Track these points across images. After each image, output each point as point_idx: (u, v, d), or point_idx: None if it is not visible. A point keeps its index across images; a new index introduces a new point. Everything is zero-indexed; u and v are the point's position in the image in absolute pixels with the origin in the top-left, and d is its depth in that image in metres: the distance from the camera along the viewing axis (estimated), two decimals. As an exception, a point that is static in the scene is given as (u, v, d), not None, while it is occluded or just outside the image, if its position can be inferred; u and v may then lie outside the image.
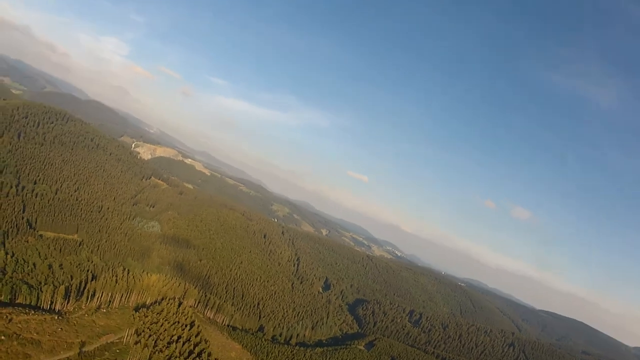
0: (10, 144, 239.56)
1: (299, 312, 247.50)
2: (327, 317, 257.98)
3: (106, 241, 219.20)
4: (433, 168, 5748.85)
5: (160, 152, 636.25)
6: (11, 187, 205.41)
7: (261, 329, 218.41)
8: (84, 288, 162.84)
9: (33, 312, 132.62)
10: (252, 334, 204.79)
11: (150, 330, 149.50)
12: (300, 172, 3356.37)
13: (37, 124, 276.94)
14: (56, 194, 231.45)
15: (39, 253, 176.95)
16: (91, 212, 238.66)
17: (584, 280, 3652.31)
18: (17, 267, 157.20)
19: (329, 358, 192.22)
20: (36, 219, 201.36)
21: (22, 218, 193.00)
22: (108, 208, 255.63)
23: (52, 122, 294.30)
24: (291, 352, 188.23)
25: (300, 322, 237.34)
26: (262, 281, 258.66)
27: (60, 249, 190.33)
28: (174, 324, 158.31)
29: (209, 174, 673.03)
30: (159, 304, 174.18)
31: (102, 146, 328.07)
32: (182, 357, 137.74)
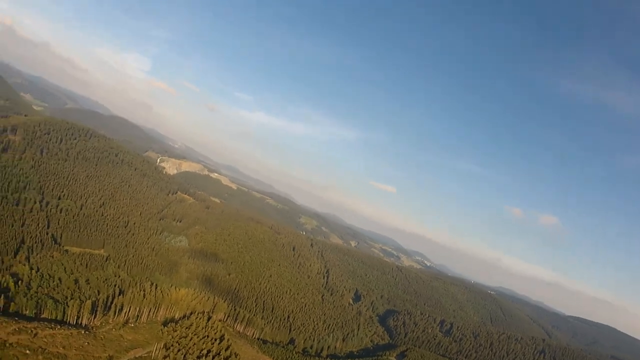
0: (33, 160, 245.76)
1: (329, 324, 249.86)
2: (358, 329, 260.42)
3: (133, 256, 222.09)
4: (459, 178, 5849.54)
5: (186, 166, 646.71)
6: (35, 202, 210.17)
7: (292, 341, 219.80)
8: (111, 303, 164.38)
9: (59, 326, 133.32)
10: (283, 346, 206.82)
11: (179, 344, 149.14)
12: (326, 185, 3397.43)
13: (60, 140, 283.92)
14: (81, 209, 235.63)
15: (65, 268, 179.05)
16: (117, 227, 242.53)
17: (612, 285, 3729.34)
18: (42, 282, 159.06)
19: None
20: (61, 234, 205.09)
21: (47, 233, 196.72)
22: (134, 223, 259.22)
23: (75, 138, 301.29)
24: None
25: (331, 334, 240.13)
26: (292, 294, 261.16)
27: (87, 264, 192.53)
28: (203, 338, 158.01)
29: (235, 188, 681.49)
30: (187, 318, 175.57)
31: (127, 162, 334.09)
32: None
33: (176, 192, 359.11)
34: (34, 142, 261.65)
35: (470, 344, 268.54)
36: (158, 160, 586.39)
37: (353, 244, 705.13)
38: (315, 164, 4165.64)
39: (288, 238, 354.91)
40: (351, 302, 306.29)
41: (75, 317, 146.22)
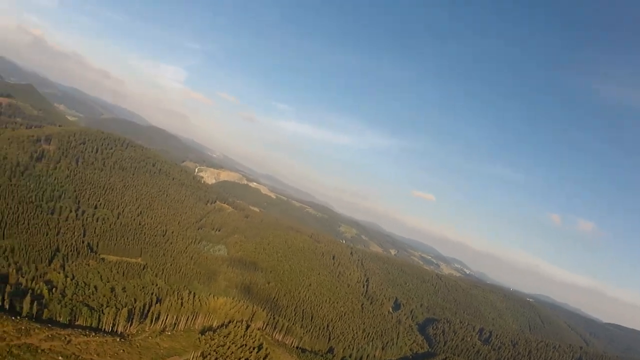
0: (68, 170, 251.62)
1: (369, 333, 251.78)
2: (397, 338, 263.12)
3: (171, 265, 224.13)
4: (497, 184, 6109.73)
5: (225, 176, 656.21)
6: (70, 211, 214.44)
7: (331, 350, 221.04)
8: (148, 311, 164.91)
9: (93, 334, 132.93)
10: (322, 355, 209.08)
11: (216, 353, 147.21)
12: (366, 194, 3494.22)
13: (96, 149, 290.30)
14: (118, 218, 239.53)
15: (101, 276, 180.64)
16: (155, 236, 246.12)
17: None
18: (77, 289, 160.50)
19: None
20: (97, 242, 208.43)
21: (83, 242, 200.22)
22: (172, 232, 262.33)
23: (112, 148, 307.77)
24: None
25: (371, 343, 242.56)
26: (331, 302, 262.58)
27: (124, 272, 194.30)
28: (241, 346, 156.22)
29: (274, 197, 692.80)
30: (225, 327, 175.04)
31: (165, 171, 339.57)
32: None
33: (215, 201, 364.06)
34: (69, 152, 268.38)
35: (509, 352, 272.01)
36: (196, 170, 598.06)
37: (393, 252, 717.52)
38: (354, 173, 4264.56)
39: (328, 247, 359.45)
40: (391, 310, 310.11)
41: (111, 325, 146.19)
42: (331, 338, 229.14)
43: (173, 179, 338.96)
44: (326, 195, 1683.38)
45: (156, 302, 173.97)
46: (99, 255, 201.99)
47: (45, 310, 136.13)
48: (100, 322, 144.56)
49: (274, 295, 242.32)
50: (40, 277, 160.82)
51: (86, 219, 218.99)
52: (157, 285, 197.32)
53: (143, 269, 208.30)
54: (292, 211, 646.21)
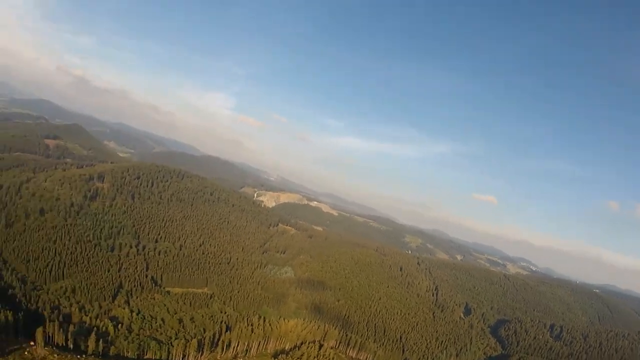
0: (125, 206, 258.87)
1: (442, 341, 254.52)
2: (471, 343, 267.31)
3: (238, 291, 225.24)
4: (552, 178, 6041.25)
5: (284, 198, 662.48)
6: (131, 247, 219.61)
7: None
8: (218, 340, 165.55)
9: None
10: None
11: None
12: (426, 202, 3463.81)
13: (151, 183, 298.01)
14: (180, 249, 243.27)
15: (168, 309, 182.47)
16: (220, 264, 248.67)
17: None
18: (143, 324, 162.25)
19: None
20: (161, 275, 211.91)
21: (146, 276, 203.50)
22: (237, 259, 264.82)
23: (167, 180, 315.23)
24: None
25: (444, 351, 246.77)
26: (402, 314, 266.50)
27: (190, 303, 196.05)
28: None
29: (336, 215, 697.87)
30: (298, 349, 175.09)
31: (224, 199, 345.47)
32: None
33: (277, 224, 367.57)
34: (123, 188, 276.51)
35: (581, 346, 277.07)
36: (255, 195, 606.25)
37: (459, 257, 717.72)
38: (413, 182, 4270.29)
39: (394, 259, 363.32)
40: (462, 316, 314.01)
41: (181, 356, 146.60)
42: (405, 350, 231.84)
43: (233, 206, 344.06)
44: (388, 207, 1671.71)
45: (226, 331, 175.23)
46: (164, 288, 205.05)
47: (112, 347, 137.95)
48: (170, 355, 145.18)
49: (344, 312, 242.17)
50: (105, 314, 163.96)
51: (148, 253, 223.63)
52: (225, 313, 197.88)
53: (210, 298, 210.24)
54: (355, 227, 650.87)
